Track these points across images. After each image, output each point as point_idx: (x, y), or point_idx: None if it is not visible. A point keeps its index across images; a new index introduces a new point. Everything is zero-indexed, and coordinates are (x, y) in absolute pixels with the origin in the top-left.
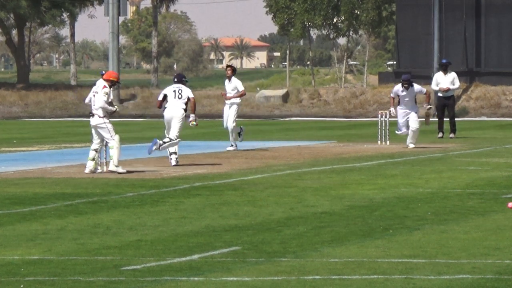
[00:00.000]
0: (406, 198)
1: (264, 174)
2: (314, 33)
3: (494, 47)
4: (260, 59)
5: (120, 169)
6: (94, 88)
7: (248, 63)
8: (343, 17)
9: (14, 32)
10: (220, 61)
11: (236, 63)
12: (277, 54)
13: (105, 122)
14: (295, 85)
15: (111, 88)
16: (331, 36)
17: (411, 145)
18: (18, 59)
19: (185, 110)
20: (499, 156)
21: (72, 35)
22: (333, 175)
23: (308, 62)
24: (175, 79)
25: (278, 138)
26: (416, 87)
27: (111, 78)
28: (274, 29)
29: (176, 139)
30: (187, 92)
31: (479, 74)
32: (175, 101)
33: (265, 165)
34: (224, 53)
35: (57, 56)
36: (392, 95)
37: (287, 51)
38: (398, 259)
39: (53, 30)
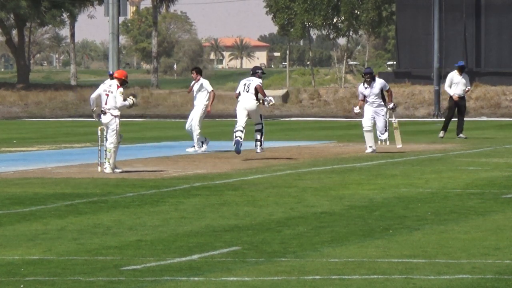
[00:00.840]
0: (406, 198)
1: (264, 174)
2: (314, 33)
3: (494, 47)
4: (260, 59)
5: (117, 170)
6: (104, 87)
7: (248, 63)
8: (343, 17)
9: (14, 32)
10: (220, 61)
11: (236, 63)
12: (277, 54)
13: (115, 123)
14: (295, 85)
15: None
16: (331, 36)
17: (391, 144)
18: (18, 59)
19: (257, 99)
20: (499, 156)
21: (72, 35)
22: (333, 175)
23: (308, 62)
24: (251, 72)
25: (278, 138)
26: (380, 81)
27: (123, 78)
28: (274, 29)
29: (261, 127)
30: (254, 84)
31: (479, 74)
32: (244, 95)
33: (265, 165)
34: (224, 53)
35: (57, 56)
36: (360, 97)
37: (287, 51)
38: (398, 259)
39: (53, 30)
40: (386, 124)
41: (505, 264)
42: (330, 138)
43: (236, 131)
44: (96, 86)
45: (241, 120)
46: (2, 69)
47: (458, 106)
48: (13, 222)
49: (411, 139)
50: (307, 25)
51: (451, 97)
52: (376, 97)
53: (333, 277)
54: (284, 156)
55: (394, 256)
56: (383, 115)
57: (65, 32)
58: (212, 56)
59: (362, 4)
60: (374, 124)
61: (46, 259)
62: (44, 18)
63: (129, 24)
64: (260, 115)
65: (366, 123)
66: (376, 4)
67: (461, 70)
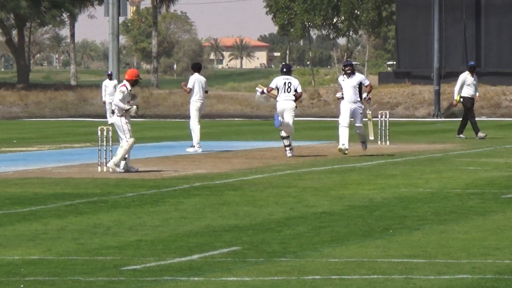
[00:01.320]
0: (406, 198)
1: (264, 174)
2: (314, 33)
3: (494, 47)
4: (260, 59)
5: (117, 169)
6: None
7: (248, 63)
8: (343, 17)
9: (14, 32)
10: (220, 61)
11: (236, 63)
12: (277, 54)
13: (121, 122)
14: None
15: (132, 87)
16: (331, 36)
17: (364, 146)
18: (18, 59)
19: (296, 100)
20: (499, 156)
21: (72, 35)
22: (333, 175)
23: (308, 62)
24: (284, 69)
25: (278, 138)
26: (360, 75)
27: (133, 78)
28: (274, 29)
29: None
30: (295, 85)
31: (479, 74)
32: (285, 95)
33: (265, 165)
34: (224, 53)
35: (57, 56)
36: (339, 93)
37: (287, 51)
38: (398, 259)
39: (53, 30)
40: (361, 119)
41: (505, 264)
42: (330, 138)
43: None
44: (96, 86)
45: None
46: (2, 69)
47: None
48: (13, 222)
49: (411, 139)
50: (307, 25)
51: (466, 97)
52: (354, 91)
53: (333, 277)
54: (284, 156)
55: (394, 256)
56: (361, 113)
57: (65, 32)
58: (212, 56)
59: (362, 4)
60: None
61: (46, 259)
62: (44, 18)
63: (129, 24)
64: (293, 116)
65: (343, 120)
66: (376, 4)
67: (473, 71)
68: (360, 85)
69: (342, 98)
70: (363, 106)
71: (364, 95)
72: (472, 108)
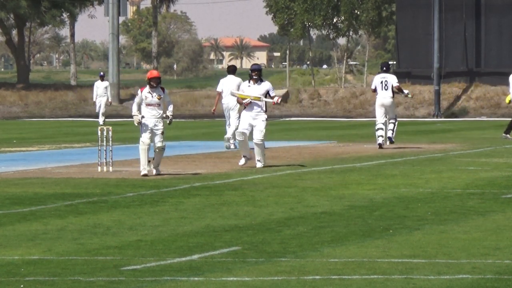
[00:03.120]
0: (406, 198)
1: (264, 174)
2: (314, 33)
3: (494, 47)
4: (260, 59)
5: (143, 171)
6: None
7: (248, 63)
8: (343, 17)
9: (14, 32)
10: (220, 61)
11: (236, 63)
12: (277, 54)
13: (139, 123)
14: (295, 85)
15: (151, 89)
16: (331, 36)
17: (259, 164)
18: (18, 59)
19: (393, 96)
20: (499, 156)
21: (72, 35)
22: (333, 175)
23: (308, 62)
24: (384, 68)
25: (278, 138)
26: (267, 83)
27: (147, 79)
28: (274, 29)
29: (395, 121)
30: (391, 81)
31: (479, 74)
32: (383, 93)
33: (265, 165)
34: (224, 53)
35: (57, 56)
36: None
37: (287, 51)
38: (398, 259)
39: (53, 30)
40: (262, 136)
41: (505, 264)
42: (330, 138)
43: (378, 129)
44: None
45: (380, 116)
46: (2, 69)
47: None
48: (13, 222)
49: (411, 139)
50: (307, 25)
51: None
52: (259, 99)
53: (333, 277)
54: (284, 156)
55: (394, 256)
56: (262, 121)
57: (65, 32)
58: (212, 56)
59: (362, 4)
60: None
61: (46, 259)
62: (44, 18)
63: (129, 24)
64: (393, 111)
65: (242, 128)
66: (376, 4)
67: None
68: (267, 94)
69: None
70: (265, 116)
71: (406, 91)
72: None
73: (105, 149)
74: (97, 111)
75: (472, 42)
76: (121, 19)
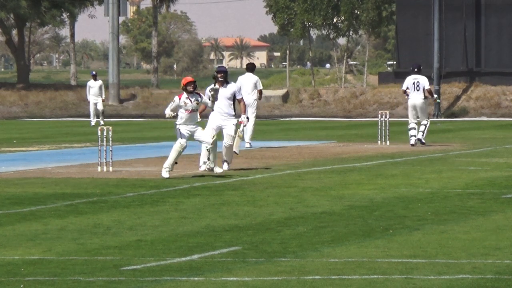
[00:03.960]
0: (406, 198)
1: (264, 174)
2: (314, 33)
3: (494, 47)
4: (260, 59)
5: (164, 173)
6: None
7: None
8: (343, 17)
9: (14, 32)
10: (220, 61)
11: (236, 63)
12: (277, 54)
13: (176, 125)
14: (295, 85)
15: (189, 94)
16: (331, 36)
17: (225, 165)
18: (18, 59)
19: (425, 97)
20: (499, 156)
21: (72, 35)
22: (333, 175)
23: (308, 62)
24: (415, 69)
25: (278, 138)
26: (234, 85)
27: (182, 85)
28: (274, 29)
29: (427, 122)
30: (423, 83)
31: (479, 74)
32: (415, 94)
33: (265, 165)
34: (224, 53)
35: (57, 56)
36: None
37: (287, 51)
38: (398, 259)
39: (53, 30)
40: (231, 141)
41: (505, 264)
42: (330, 138)
43: (410, 129)
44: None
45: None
46: (2, 69)
47: None
48: (13, 222)
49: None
50: (307, 25)
51: None
52: (227, 103)
53: (333, 277)
54: (284, 156)
55: (394, 256)
56: (233, 124)
57: (65, 32)
58: (212, 56)
59: (362, 4)
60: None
61: (46, 259)
62: (44, 18)
63: (129, 24)
64: (425, 112)
65: (207, 137)
66: (376, 4)
67: None
68: (235, 96)
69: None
70: (235, 120)
71: (435, 95)
72: None
73: (105, 149)
74: (91, 110)
75: (472, 42)
76: (121, 19)
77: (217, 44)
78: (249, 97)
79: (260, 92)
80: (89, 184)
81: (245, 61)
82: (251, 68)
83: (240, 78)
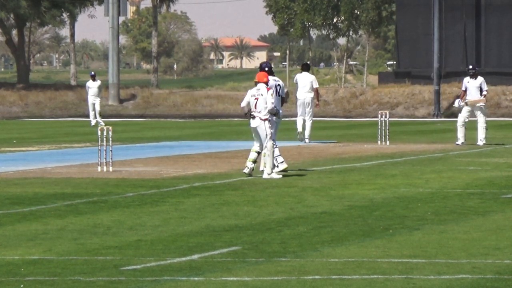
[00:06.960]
0: (406, 198)
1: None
2: (314, 33)
3: (494, 47)
4: (260, 59)
5: (274, 175)
6: (252, 92)
7: (248, 63)
8: (343, 17)
9: (14, 32)
10: (220, 61)
11: (236, 63)
12: (277, 54)
13: (265, 125)
14: (295, 85)
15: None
16: (331, 36)
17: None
18: (18, 59)
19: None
20: (499, 156)
21: (72, 35)
22: (333, 175)
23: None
24: (472, 71)
25: (278, 138)
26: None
27: (265, 79)
28: (274, 29)
29: (485, 124)
30: (478, 83)
31: (479, 74)
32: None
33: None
34: (224, 53)
35: (57, 56)
36: None
37: (287, 51)
38: (398, 259)
39: (53, 30)
40: None
41: (505, 264)
42: (330, 138)
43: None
44: None
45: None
46: (2, 69)
47: None
48: (13, 222)
49: (411, 139)
50: (307, 25)
51: None
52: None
53: (333, 277)
54: (284, 156)
55: (394, 256)
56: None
57: (65, 32)
58: (212, 56)
59: (362, 4)
60: None
61: (46, 259)
62: (44, 18)
63: (129, 24)
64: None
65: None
66: (376, 4)
67: None
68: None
69: None
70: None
71: (484, 93)
72: None
73: (105, 149)
74: (90, 110)
75: (472, 42)
76: (121, 19)
77: (217, 44)
78: (308, 96)
79: (317, 90)
80: (89, 184)
81: (245, 61)
82: (306, 67)
83: (297, 76)
